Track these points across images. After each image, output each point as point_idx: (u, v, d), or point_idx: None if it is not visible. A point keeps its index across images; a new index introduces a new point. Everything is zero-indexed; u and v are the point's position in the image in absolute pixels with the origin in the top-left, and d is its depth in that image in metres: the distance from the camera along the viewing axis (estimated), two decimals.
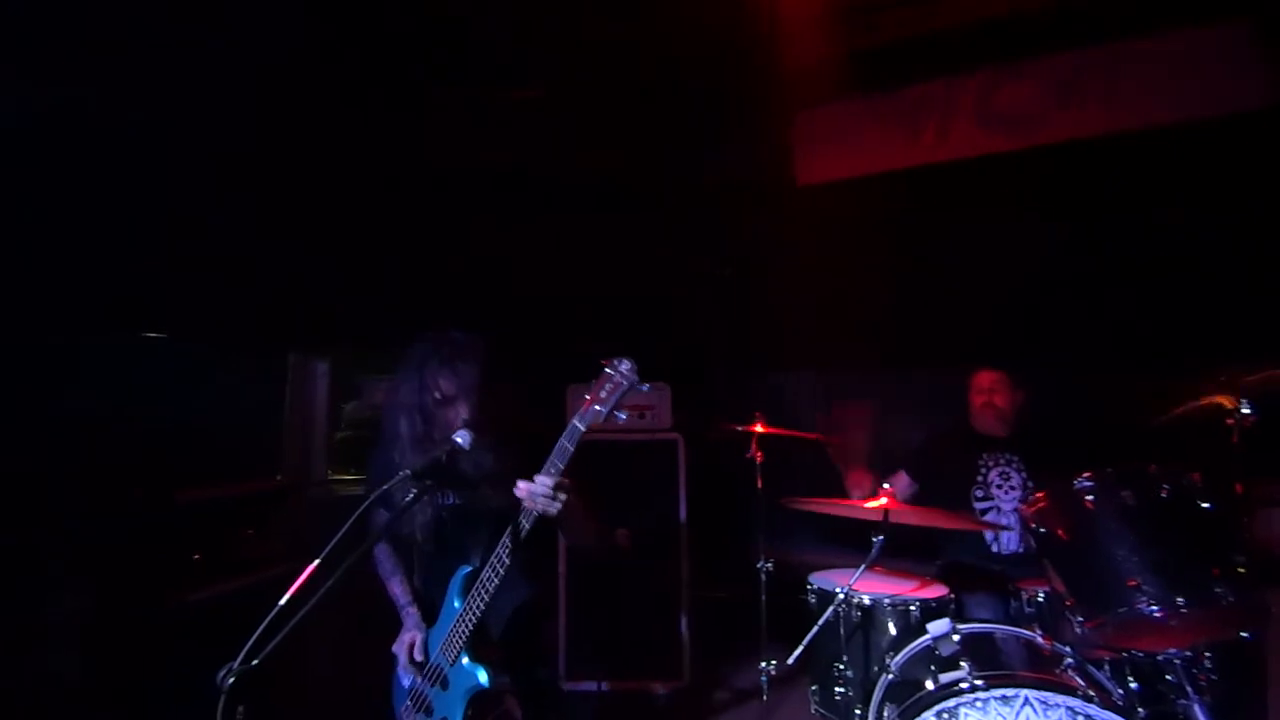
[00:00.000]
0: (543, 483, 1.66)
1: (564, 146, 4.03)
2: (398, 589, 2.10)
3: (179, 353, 2.95)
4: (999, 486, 3.02)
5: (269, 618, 1.31)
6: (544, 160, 4.02)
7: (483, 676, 1.78)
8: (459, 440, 1.69)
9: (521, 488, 1.68)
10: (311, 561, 1.46)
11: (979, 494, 3.03)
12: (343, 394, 3.73)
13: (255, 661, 1.27)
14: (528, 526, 1.72)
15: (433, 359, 1.93)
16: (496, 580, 1.75)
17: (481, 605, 1.77)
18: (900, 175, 3.97)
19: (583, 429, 1.67)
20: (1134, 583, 1.84)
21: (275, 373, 3.50)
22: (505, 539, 1.74)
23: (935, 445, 3.20)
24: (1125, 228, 3.47)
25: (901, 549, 2.50)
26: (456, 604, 1.86)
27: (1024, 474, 3.02)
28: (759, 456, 2.99)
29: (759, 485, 3.01)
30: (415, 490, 1.58)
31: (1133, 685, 2.12)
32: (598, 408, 1.66)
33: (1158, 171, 3.37)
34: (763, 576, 2.96)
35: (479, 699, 1.81)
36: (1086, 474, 1.98)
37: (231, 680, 1.24)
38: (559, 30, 3.37)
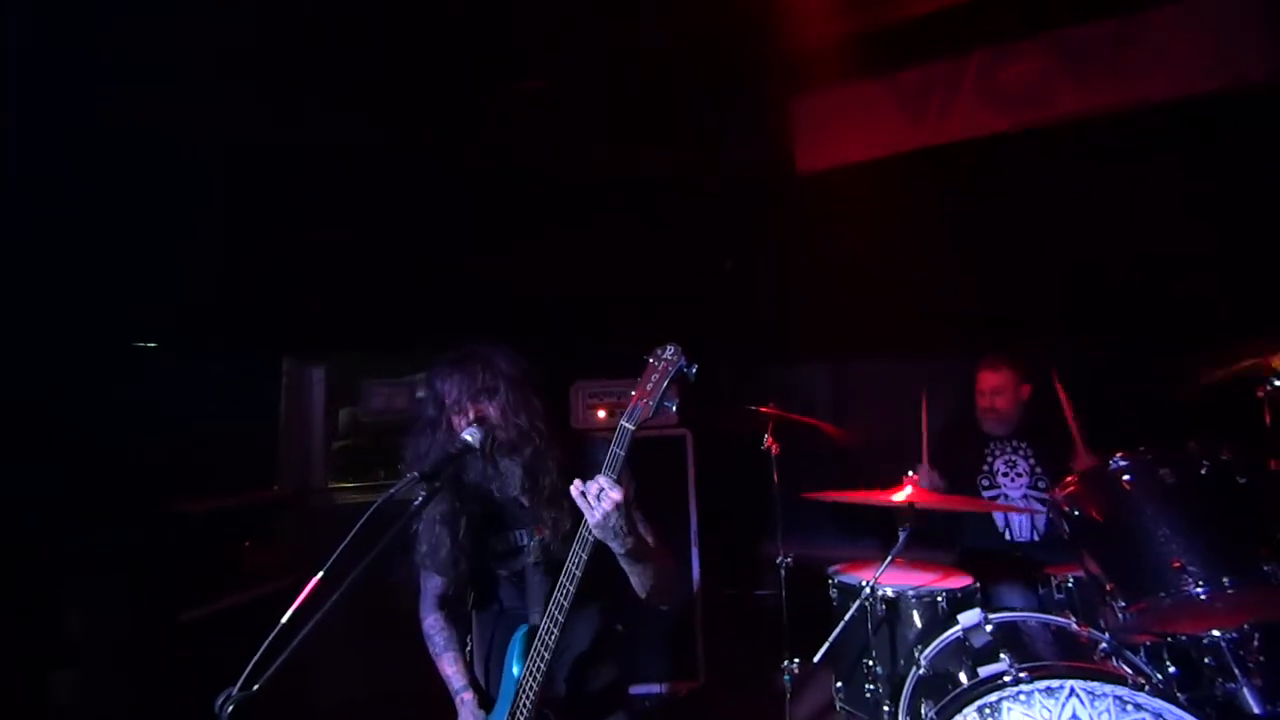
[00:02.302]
0: (601, 480, 1.51)
1: (557, 143, 3.93)
2: (450, 669, 1.87)
3: (168, 361, 2.86)
4: (1005, 475, 3.01)
5: (269, 639, 1.21)
6: (538, 157, 3.92)
7: None
8: (468, 437, 1.60)
9: (576, 485, 1.53)
10: (313, 576, 1.35)
11: (985, 483, 3.03)
12: (346, 399, 3.62)
13: (256, 687, 1.17)
14: (584, 556, 1.56)
15: (442, 367, 1.83)
16: (557, 631, 1.57)
17: (543, 665, 1.59)
18: (904, 158, 3.88)
19: (632, 428, 1.52)
20: (1178, 564, 1.77)
21: (269, 380, 3.40)
22: (565, 578, 1.57)
23: (945, 435, 3.15)
24: (1135, 205, 3.38)
25: (916, 537, 2.43)
26: (515, 670, 1.66)
27: (1032, 460, 2.99)
28: (775, 449, 2.90)
29: (775, 479, 2.91)
30: (424, 493, 1.48)
31: (1171, 670, 2.05)
32: (647, 401, 1.52)
33: (1170, 146, 3.29)
34: (782, 572, 2.87)
35: None
36: (1121, 454, 1.90)
37: (231, 709, 1.14)
38: (554, 23, 3.27)
